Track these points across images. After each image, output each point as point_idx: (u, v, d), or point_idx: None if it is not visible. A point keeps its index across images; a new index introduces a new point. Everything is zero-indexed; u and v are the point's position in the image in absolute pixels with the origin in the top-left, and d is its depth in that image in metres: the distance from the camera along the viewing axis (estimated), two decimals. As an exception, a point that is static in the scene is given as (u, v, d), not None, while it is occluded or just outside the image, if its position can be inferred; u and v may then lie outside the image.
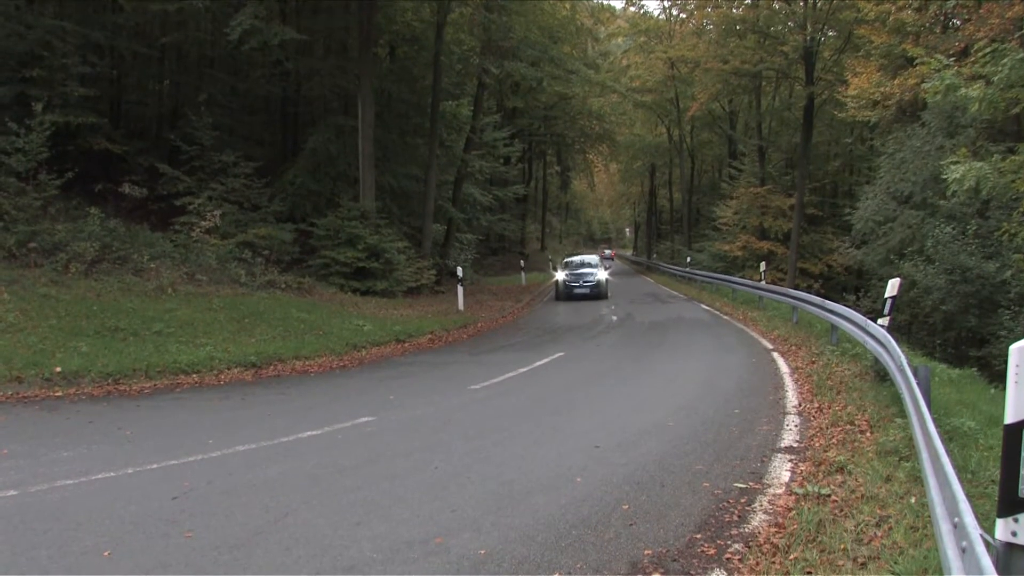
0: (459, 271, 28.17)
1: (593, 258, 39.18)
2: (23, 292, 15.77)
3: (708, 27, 47.39)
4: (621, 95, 57.54)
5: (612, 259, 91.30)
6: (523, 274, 46.40)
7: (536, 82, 46.10)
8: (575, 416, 10.77)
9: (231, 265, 21.50)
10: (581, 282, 34.14)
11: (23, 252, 17.43)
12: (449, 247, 36.37)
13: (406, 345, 19.24)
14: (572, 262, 37.57)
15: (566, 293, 34.23)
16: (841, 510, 6.43)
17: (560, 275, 35.56)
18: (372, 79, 27.12)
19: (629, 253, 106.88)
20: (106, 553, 5.49)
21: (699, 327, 22.94)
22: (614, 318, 26.10)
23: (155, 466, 7.85)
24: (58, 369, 12.48)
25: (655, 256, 72.61)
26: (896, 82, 24.63)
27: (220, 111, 27.54)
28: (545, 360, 16.41)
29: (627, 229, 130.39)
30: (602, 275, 34.73)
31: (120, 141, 25.09)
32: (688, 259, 48.71)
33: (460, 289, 26.93)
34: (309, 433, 9.45)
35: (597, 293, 33.91)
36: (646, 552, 5.58)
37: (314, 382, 14.17)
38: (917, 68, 20.61)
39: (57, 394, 11.76)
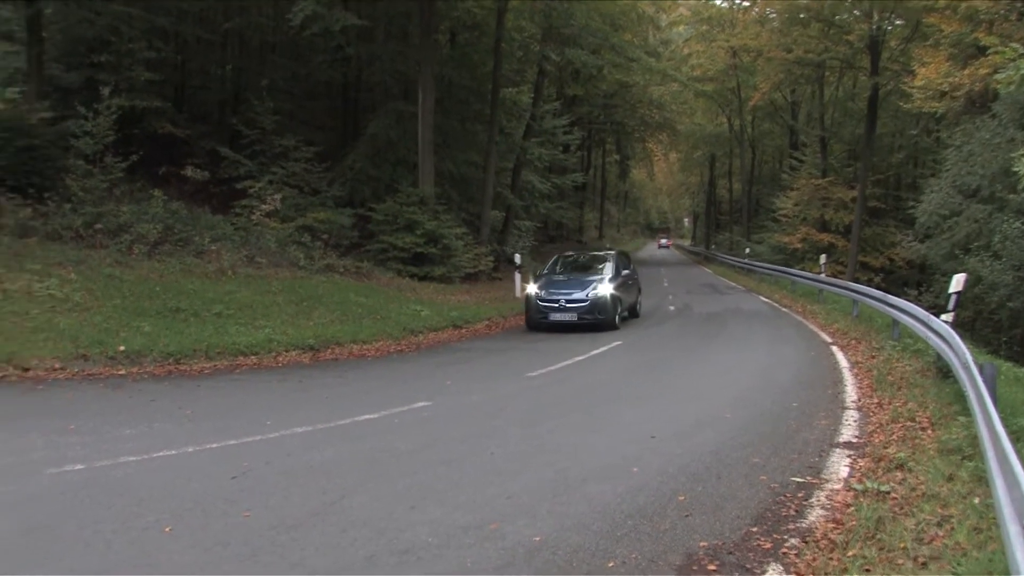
0: (517, 258, 28.16)
1: (605, 254, 23.46)
2: (89, 272, 16.04)
3: (771, 15, 46.62)
4: (682, 84, 56.94)
5: (668, 247, 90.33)
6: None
7: (596, 70, 45.84)
8: (631, 405, 10.71)
9: (290, 248, 21.69)
10: (563, 301, 19.38)
11: (89, 233, 17.72)
12: (507, 234, 36.32)
13: (463, 331, 19.30)
14: (565, 261, 22.90)
15: (537, 320, 19.83)
16: (901, 508, 6.28)
17: (532, 288, 20.34)
18: (433, 65, 27.13)
19: (687, 243, 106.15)
20: (167, 529, 5.57)
21: (757, 319, 22.70)
22: (672, 308, 25.93)
23: (215, 446, 7.94)
24: (122, 348, 12.69)
25: (713, 247, 71.94)
26: (966, 72, 24.07)
27: (281, 96, 27.76)
28: (602, 348, 16.33)
29: (685, 219, 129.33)
30: (605, 288, 19.72)
31: (183, 125, 25.44)
32: (747, 250, 48.19)
33: (518, 276, 26.93)
34: (366, 416, 9.50)
35: (593, 320, 19.33)
36: (701, 544, 5.52)
37: (371, 366, 14.25)
38: (989, 57, 20.09)
39: (120, 372, 11.95)
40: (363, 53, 29.79)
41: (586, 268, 22.04)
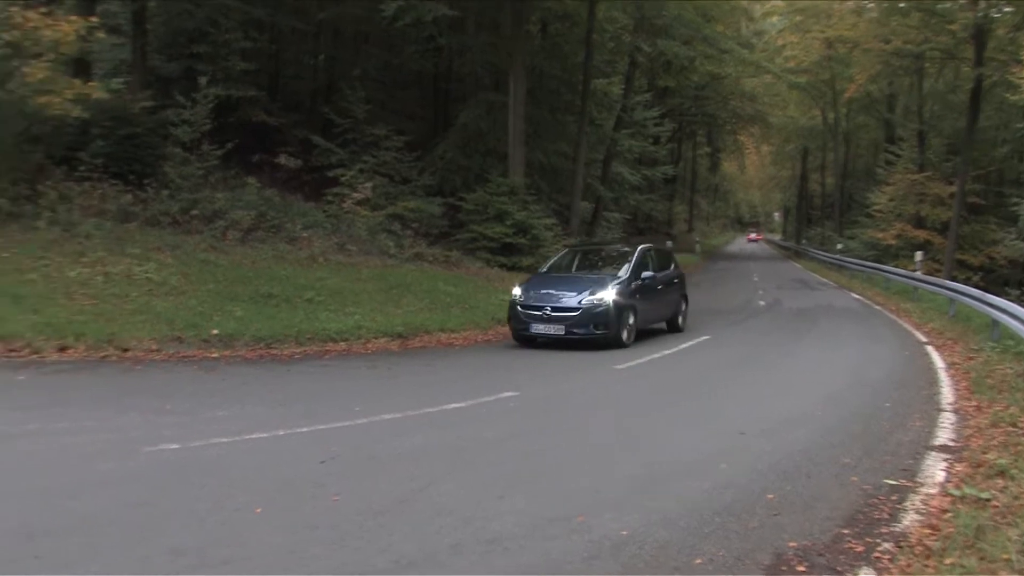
0: (605, 250, 27.98)
1: (629, 250, 17.81)
2: (185, 257, 16.43)
3: (869, 5, 45.42)
4: (775, 75, 55.93)
5: (758, 241, 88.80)
6: (669, 256, 45.52)
7: (688, 61, 45.28)
8: (719, 400, 10.55)
9: (380, 237, 21.90)
10: (548, 310, 15.04)
11: (186, 219, 18.15)
12: (596, 225, 36.18)
13: (551, 322, 19.22)
14: (578, 255, 18.66)
15: (519, 332, 15.59)
16: (1003, 516, 5.96)
17: (517, 289, 16.05)
18: (524, 56, 27.08)
19: (777, 237, 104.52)
20: (257, 510, 5.62)
21: (849, 316, 22.20)
22: (761, 303, 25.53)
23: (305, 430, 8.02)
24: (215, 331, 12.95)
25: (804, 242, 70.65)
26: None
27: (373, 85, 28.02)
28: (690, 343, 16.15)
29: (776, 213, 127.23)
30: (608, 294, 15.17)
31: (277, 114, 25.82)
32: (839, 246, 47.18)
33: (605, 268, 26.74)
34: (454, 405, 9.49)
35: (586, 335, 14.95)
36: (791, 544, 5.35)
37: (459, 355, 14.31)
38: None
39: (213, 355, 12.19)
40: (454, 43, 29.86)
41: (598, 265, 17.71)
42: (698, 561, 5.01)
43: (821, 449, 7.88)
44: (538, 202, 27.97)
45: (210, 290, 15.07)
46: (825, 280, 37.28)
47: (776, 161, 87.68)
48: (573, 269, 17.46)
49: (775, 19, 61.53)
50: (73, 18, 16.23)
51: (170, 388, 10.02)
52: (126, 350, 11.74)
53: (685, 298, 18.96)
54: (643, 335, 16.51)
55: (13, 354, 10.94)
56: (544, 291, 15.64)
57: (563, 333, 14.86)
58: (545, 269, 17.71)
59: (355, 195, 22.50)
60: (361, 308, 16.29)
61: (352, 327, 14.70)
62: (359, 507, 5.79)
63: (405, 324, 15.71)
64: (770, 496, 6.31)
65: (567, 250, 19.74)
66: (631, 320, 15.61)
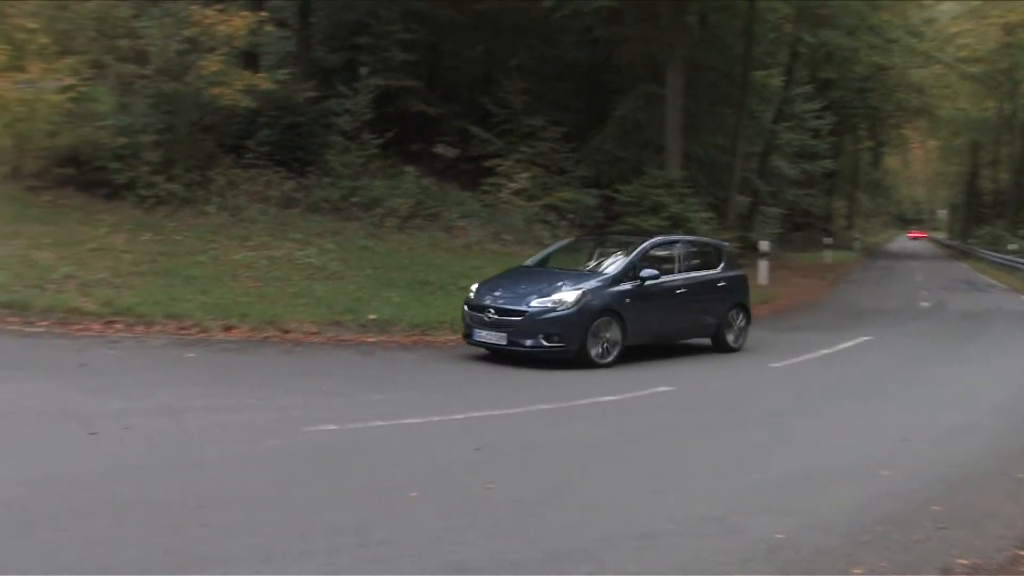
0: (762, 245, 27.34)
1: (629, 241, 13.77)
2: (344, 243, 16.87)
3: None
4: (946, 66, 53.49)
5: (920, 239, 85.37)
6: (827, 252, 44.31)
7: (851, 52, 43.75)
8: (881, 404, 10.08)
9: (536, 227, 21.92)
10: (491, 312, 11.57)
11: (346, 205, 18.65)
12: (753, 220, 35.38)
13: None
14: (572, 248, 15.10)
15: (466, 335, 12.10)
16: None
17: (474, 286, 12.65)
18: (682, 48, 26.67)
19: (942, 236, 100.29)
20: (413, 494, 5.64)
21: (1021, 321, 21.03)
22: (925, 304, 24.45)
23: (459, 416, 8.05)
24: (372, 316, 13.17)
25: (971, 240, 67.50)
26: None
27: (530, 76, 28.07)
28: (849, 343, 15.53)
29: (941, 211, 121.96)
30: (569, 296, 11.51)
31: (435, 104, 26.17)
32: (1012, 246, 44.78)
33: (763, 263, 26.14)
34: (607, 398, 9.40)
35: (534, 348, 11.33)
36: (960, 561, 4.98)
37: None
38: None
39: (370, 340, 12.40)
40: (612, 35, 29.66)
41: (596, 259, 13.42)
42: (857, 571, 4.77)
43: (991, 461, 7.45)
44: (695, 195, 27.47)
45: (368, 276, 15.40)
46: (994, 282, 35.44)
47: (943, 156, 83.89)
48: (567, 264, 13.57)
49: (947, 5, 58.70)
50: (245, 13, 16.96)
51: (329, 370, 10.28)
52: (287, 331, 12.07)
53: (743, 308, 14.44)
54: (802, 331, 15.97)
55: (183, 332, 11.39)
56: (501, 288, 12.36)
57: (504, 343, 11.43)
58: (531, 262, 14.03)
59: (511, 185, 22.60)
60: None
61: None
62: (512, 496, 5.77)
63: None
64: (936, 508, 5.95)
65: (573, 239, 16.60)
66: (611, 333, 11.75)
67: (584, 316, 11.43)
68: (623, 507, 5.65)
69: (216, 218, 16.34)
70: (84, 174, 16.35)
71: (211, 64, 16.37)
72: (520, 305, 11.53)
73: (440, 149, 23.72)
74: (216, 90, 16.65)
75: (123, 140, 16.15)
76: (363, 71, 20.41)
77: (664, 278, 12.77)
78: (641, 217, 24.70)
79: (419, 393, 9.19)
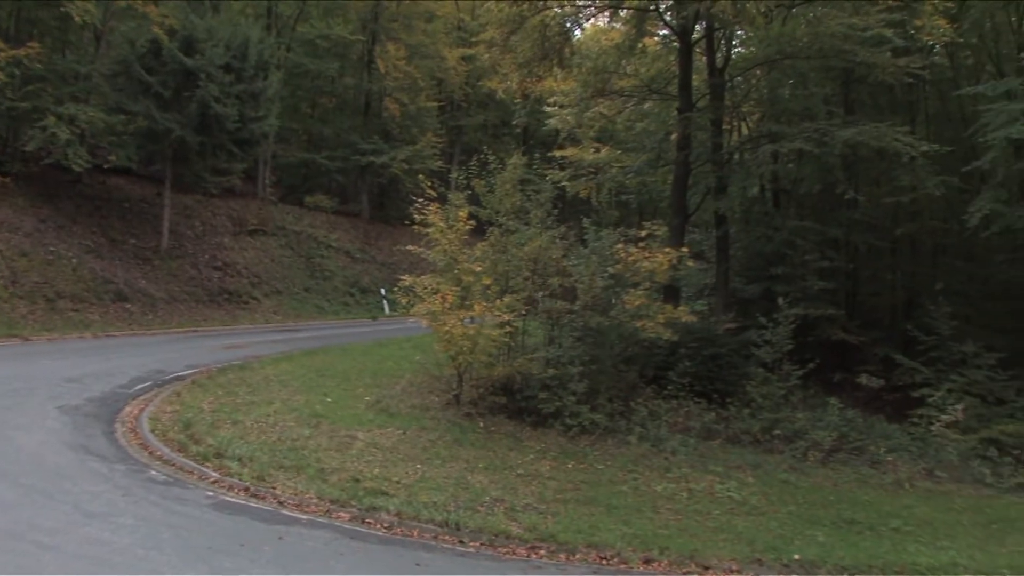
0: None
1: None
2: (765, 476, 16.49)
3: None
4: None
5: None
6: None
7: None
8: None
9: (974, 463, 20.14)
10: None
11: (766, 438, 18.39)
12: None
13: None
14: None
15: None
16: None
17: None
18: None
19: None
20: None
21: None
22: None
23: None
24: (797, 556, 12.58)
25: None
26: None
27: (956, 299, 26.61)
28: None
29: None
30: None
31: (855, 332, 25.52)
32: None
33: None
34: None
35: None
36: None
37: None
38: None
39: (795, 582, 11.82)
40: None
41: None
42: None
43: None
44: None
45: (790, 512, 14.82)
46: None
47: None
48: None
49: None
50: (668, 250, 17.86)
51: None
52: (707, 567, 11.82)
53: None
54: None
55: (604, 562, 11.55)
56: None
57: None
58: None
59: (943, 417, 21.10)
60: (956, 543, 14.80)
61: (946, 563, 13.35)
62: None
63: (1011, 567, 13.96)
64: None
65: None
66: None
67: None
68: None
69: (637, 448, 16.78)
70: (515, 403, 17.77)
71: (634, 299, 17.30)
72: None
73: (863, 379, 22.89)
74: (639, 323, 17.53)
75: (552, 371, 17.36)
76: (781, 301, 20.46)
77: None
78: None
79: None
